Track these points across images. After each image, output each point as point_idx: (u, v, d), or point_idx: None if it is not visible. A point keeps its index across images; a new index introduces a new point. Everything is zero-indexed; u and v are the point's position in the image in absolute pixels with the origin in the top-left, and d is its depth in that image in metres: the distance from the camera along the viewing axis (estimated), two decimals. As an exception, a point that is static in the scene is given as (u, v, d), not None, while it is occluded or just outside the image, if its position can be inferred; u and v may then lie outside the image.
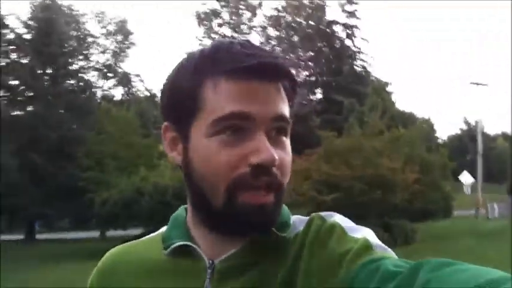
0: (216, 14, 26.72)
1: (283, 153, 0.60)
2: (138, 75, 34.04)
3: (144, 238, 0.73)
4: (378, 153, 12.42)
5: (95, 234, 22.76)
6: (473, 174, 32.92)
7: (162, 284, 0.64)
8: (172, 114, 0.64)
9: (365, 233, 0.62)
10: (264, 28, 26.20)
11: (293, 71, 0.63)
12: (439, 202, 16.56)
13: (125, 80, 33.13)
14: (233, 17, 26.61)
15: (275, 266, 0.62)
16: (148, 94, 33.97)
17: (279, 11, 26.02)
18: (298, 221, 0.67)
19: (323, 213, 0.67)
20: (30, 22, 26.31)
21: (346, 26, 26.46)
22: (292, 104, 0.65)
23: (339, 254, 0.58)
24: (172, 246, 0.65)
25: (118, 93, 33.58)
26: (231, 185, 0.58)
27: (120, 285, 0.67)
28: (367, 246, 0.58)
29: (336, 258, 0.58)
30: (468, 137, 64.04)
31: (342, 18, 26.50)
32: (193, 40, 27.22)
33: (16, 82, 24.26)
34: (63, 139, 22.63)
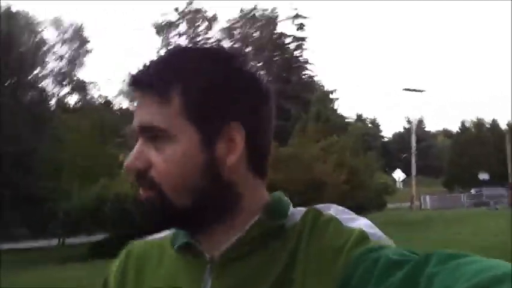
0: (173, 25, 28.01)
1: (159, 158, 0.62)
2: (93, 83, 34.54)
3: (163, 234, 0.75)
4: (313, 158, 14.42)
5: (54, 242, 23.19)
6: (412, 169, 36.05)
7: (166, 279, 0.68)
8: None
9: (362, 224, 0.63)
10: (219, 40, 27.73)
11: (159, 75, 0.64)
12: (371, 198, 18.93)
13: (80, 87, 33.54)
14: (190, 29, 27.99)
15: (273, 256, 0.63)
16: (103, 101, 34.56)
17: (232, 23, 27.69)
18: (296, 212, 0.68)
19: (319, 206, 0.68)
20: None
21: (295, 37, 28.47)
22: (190, 100, 0.63)
23: (336, 245, 0.59)
24: (177, 244, 0.69)
25: (73, 100, 33.97)
26: None
27: (132, 275, 0.72)
28: (363, 237, 0.59)
29: (332, 250, 0.59)
30: (408, 135, 68.17)
31: (292, 30, 28.52)
32: (151, 50, 28.30)
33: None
34: (20, 150, 23.11)
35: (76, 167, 21.55)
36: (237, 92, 0.65)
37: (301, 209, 0.69)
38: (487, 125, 51.09)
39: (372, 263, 0.54)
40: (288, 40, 28.55)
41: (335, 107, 27.19)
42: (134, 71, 0.66)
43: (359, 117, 74.77)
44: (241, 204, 0.66)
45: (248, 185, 0.66)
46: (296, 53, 28.32)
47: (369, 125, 74.57)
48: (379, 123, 79.48)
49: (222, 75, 0.64)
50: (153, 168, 0.63)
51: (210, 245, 0.66)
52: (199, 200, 0.63)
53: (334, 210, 0.66)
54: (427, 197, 36.46)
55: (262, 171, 0.68)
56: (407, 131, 68.01)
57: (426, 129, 75.75)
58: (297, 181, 13.81)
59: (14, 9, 27.95)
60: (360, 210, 19.82)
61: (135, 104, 0.66)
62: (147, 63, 0.67)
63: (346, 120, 28.33)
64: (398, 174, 33.60)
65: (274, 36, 28.04)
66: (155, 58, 0.68)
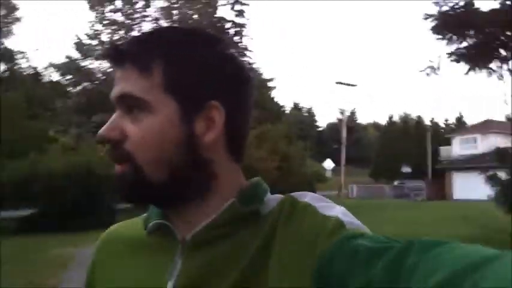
0: (108, 0, 27.05)
1: (134, 128, 0.63)
2: (22, 52, 32.81)
3: (136, 218, 0.76)
4: (248, 146, 14.96)
5: None
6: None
7: (139, 261, 0.68)
8: None
9: (338, 211, 0.62)
10: (156, 19, 27.20)
11: (141, 48, 0.65)
12: (303, 184, 19.87)
13: (7, 56, 31.79)
14: (126, 5, 27.18)
15: (245, 241, 0.63)
16: (33, 72, 32.97)
17: (171, 3, 27.18)
18: (272, 198, 0.68)
19: (296, 193, 0.68)
20: None
21: (234, 23, 28.50)
22: (170, 75, 0.64)
23: (313, 232, 0.59)
24: (149, 225, 0.69)
25: (-1, 70, 32.12)
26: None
27: (109, 261, 0.72)
28: (340, 224, 0.59)
29: (309, 237, 0.59)
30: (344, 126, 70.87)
31: (231, 16, 28.49)
32: (85, 24, 27.23)
33: None
34: None
35: (3, 140, 20.68)
36: (218, 72, 0.65)
37: (278, 196, 0.69)
38: (412, 121, 54.27)
39: (351, 253, 0.53)
40: (227, 25, 28.56)
41: (272, 96, 27.85)
42: (115, 44, 0.67)
43: (296, 105, 76.57)
44: (216, 185, 0.65)
45: (224, 166, 0.66)
46: (235, 39, 28.48)
47: (305, 114, 76.51)
48: (315, 113, 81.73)
49: (205, 55, 0.65)
50: (128, 140, 0.62)
51: (183, 226, 0.66)
52: (174, 175, 0.63)
53: (310, 198, 0.66)
54: (354, 186, 38.62)
55: (238, 154, 0.69)
56: (341, 122, 70.65)
57: (358, 121, 78.92)
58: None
59: None
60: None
61: (116, 76, 0.65)
62: (130, 37, 0.68)
63: (282, 109, 29.05)
64: (328, 163, 35.30)
65: (214, 20, 27.92)
66: (137, 35, 0.69)
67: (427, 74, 11.61)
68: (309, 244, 0.58)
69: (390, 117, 59.01)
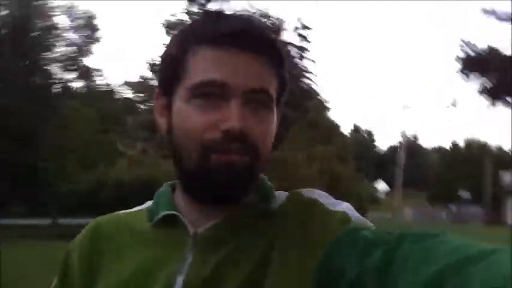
0: (183, 25, 28.83)
1: (260, 124, 0.61)
2: (99, 70, 35.52)
3: (130, 210, 0.74)
4: (299, 164, 15.63)
5: (48, 221, 24.18)
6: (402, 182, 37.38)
7: (145, 253, 0.65)
8: (161, 82, 0.68)
9: (344, 207, 0.64)
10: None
11: (278, 44, 0.63)
12: (354, 205, 20.18)
13: (86, 74, 34.51)
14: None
15: (257, 238, 0.62)
16: (109, 89, 35.58)
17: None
18: (280, 194, 0.69)
19: (303, 190, 0.69)
20: (5, 17, 27.48)
21: (297, 46, 29.45)
22: (283, 80, 0.66)
23: (319, 226, 0.61)
24: (158, 217, 0.67)
25: (78, 86, 34.89)
26: (203, 148, 0.60)
27: (107, 250, 0.68)
28: (345, 219, 0.61)
29: (315, 232, 0.60)
30: (403, 149, 69.71)
31: (296, 40, 29.49)
32: (160, 46, 29.20)
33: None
34: (25, 129, 24.11)
35: (77, 152, 22.59)
36: (286, 87, 0.69)
37: (284, 192, 0.69)
38: (475, 146, 52.30)
39: (352, 244, 0.55)
40: (291, 49, 29.51)
41: (330, 116, 28.28)
42: (233, 26, 0.60)
43: (356, 127, 76.14)
44: None
45: None
46: (297, 61, 29.38)
47: (365, 136, 75.84)
48: (374, 136, 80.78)
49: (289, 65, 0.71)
50: (253, 133, 0.61)
51: (195, 220, 0.65)
52: (262, 171, 0.65)
53: (317, 194, 0.68)
54: (408, 210, 37.97)
55: None
56: (401, 145, 69.50)
57: (421, 145, 77.14)
58: (279, 184, 15.06)
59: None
60: None
61: (236, 60, 0.60)
62: (251, 20, 0.63)
63: (337, 130, 29.45)
64: (381, 186, 35.10)
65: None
66: (256, 23, 0.63)
67: (448, 108, 12.10)
68: (317, 236, 0.60)
69: (454, 143, 57.41)
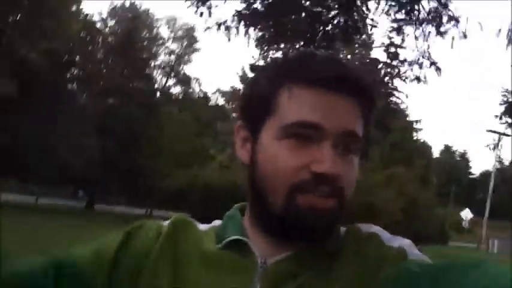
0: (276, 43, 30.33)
1: (348, 168, 0.61)
2: (197, 79, 38.15)
3: (201, 226, 0.73)
4: (376, 185, 16.05)
5: (142, 211, 26.71)
6: (496, 211, 35.40)
7: (212, 275, 0.63)
8: (247, 115, 0.67)
9: (403, 243, 0.63)
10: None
11: (373, 91, 0.63)
12: (431, 231, 19.88)
13: (184, 81, 37.21)
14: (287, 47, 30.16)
15: (323, 275, 0.62)
16: (203, 96, 38.09)
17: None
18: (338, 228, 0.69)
19: (361, 225, 0.69)
20: (114, 26, 30.80)
21: (386, 64, 29.58)
22: (368, 124, 0.65)
23: (376, 261, 0.60)
24: (227, 240, 0.65)
25: (175, 92, 37.61)
26: (292, 188, 0.59)
27: (181, 265, 0.65)
28: (402, 255, 0.60)
29: (373, 265, 0.60)
30: (496, 175, 65.35)
31: (384, 57, 29.57)
32: (249, 58, 30.92)
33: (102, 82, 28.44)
34: (131, 130, 26.77)
35: (173, 153, 24.70)
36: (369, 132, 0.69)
37: (342, 228, 0.69)
38: None
39: (407, 279, 0.55)
40: (380, 66, 29.66)
41: (417, 137, 28.08)
42: (329, 68, 0.61)
43: (447, 148, 72.94)
44: None
45: None
46: (386, 79, 29.47)
47: (458, 158, 72.46)
48: (469, 158, 76.71)
49: None
50: (342, 178, 0.60)
51: (263, 250, 0.64)
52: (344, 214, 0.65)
53: (375, 229, 0.68)
54: (496, 241, 35.94)
55: None
56: (500, 171, 65.16)
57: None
58: (354, 204, 15.50)
59: (137, 6, 31.95)
60: (416, 241, 20.62)
61: (330, 102, 0.60)
62: (347, 64, 0.64)
63: (426, 151, 28.96)
64: (466, 214, 33.59)
65: (366, 61, 29.22)
66: (351, 67, 0.64)
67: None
68: (373, 271, 0.60)
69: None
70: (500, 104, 9.19)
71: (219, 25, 8.38)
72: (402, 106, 30.80)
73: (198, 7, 7.77)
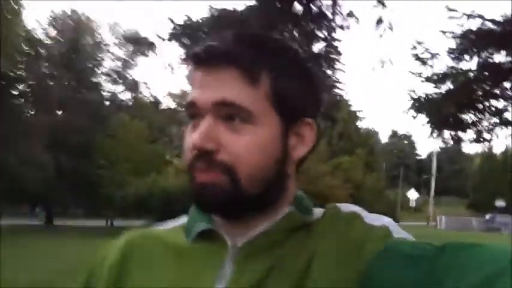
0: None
1: (235, 139, 0.59)
2: (145, 83, 37.77)
3: (165, 226, 0.74)
4: (323, 173, 17.19)
5: (102, 223, 26.22)
6: (444, 189, 37.43)
7: (182, 268, 0.64)
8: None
9: (385, 222, 0.62)
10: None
11: (249, 52, 0.60)
12: (383, 212, 21.53)
13: (132, 86, 36.75)
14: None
15: (297, 250, 0.62)
16: (153, 100, 37.87)
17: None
18: (316, 210, 0.68)
19: (339, 204, 0.68)
20: (57, 36, 30.22)
21: (328, 58, 30.84)
22: (278, 86, 0.61)
23: (359, 240, 0.59)
24: (196, 231, 0.66)
25: (125, 98, 37.03)
26: (188, 168, 0.61)
27: (139, 265, 0.66)
28: (386, 234, 0.59)
29: (356, 245, 0.59)
30: (445, 155, 68.68)
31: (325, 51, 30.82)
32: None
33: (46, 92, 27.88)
34: (82, 141, 26.56)
35: (128, 162, 24.73)
36: (316, 93, 0.66)
37: (321, 209, 0.68)
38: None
39: (393, 259, 0.54)
40: (320, 59, 30.83)
41: (361, 126, 29.56)
42: (203, 44, 0.60)
43: (394, 133, 75.93)
44: (283, 196, 0.65)
45: (293, 179, 0.66)
46: (328, 72, 30.70)
47: (405, 142, 75.58)
48: (415, 141, 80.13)
49: (307, 71, 0.65)
50: (224, 150, 0.58)
51: (234, 232, 0.64)
52: (266, 189, 0.61)
53: (354, 209, 0.67)
54: (443, 218, 38.23)
55: (301, 167, 0.68)
56: (444, 150, 68.28)
57: (464, 151, 75.96)
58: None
59: (78, 13, 31.32)
60: None
61: (201, 77, 0.60)
62: (224, 36, 0.61)
63: (371, 139, 30.50)
64: (412, 194, 35.73)
65: (307, 54, 30.34)
66: (233, 34, 0.61)
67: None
68: (355, 250, 0.58)
69: (490, 148, 56.41)
70: (409, 101, 10.13)
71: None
72: (345, 97, 32.52)
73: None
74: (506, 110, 9.93)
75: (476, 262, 0.45)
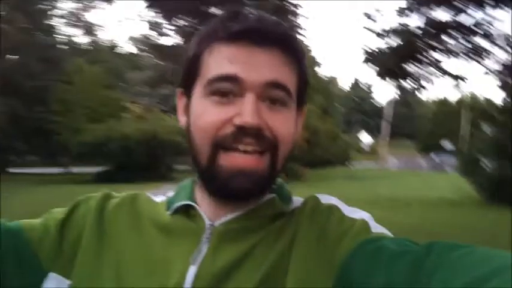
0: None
1: (277, 120, 0.60)
2: (102, 26, 36.48)
3: (153, 197, 0.74)
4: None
5: (60, 170, 26.28)
6: (399, 133, 38.85)
7: (161, 239, 0.65)
8: (183, 81, 0.67)
9: (362, 215, 0.63)
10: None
11: (293, 39, 0.62)
12: (334, 157, 22.76)
13: (89, 30, 35.50)
14: None
15: (275, 237, 0.62)
16: (110, 45, 36.79)
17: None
18: (295, 198, 0.69)
19: (319, 195, 0.68)
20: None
21: (290, 4, 30.54)
22: (303, 74, 0.65)
23: (338, 232, 0.59)
24: (175, 206, 0.67)
25: (82, 42, 35.88)
26: (214, 145, 0.59)
27: (127, 230, 0.67)
28: (365, 227, 0.59)
29: (335, 236, 0.59)
30: (402, 102, 71.14)
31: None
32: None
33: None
34: (36, 87, 25.83)
35: (84, 107, 24.34)
36: (308, 83, 0.69)
37: (300, 198, 0.70)
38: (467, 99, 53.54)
39: (374, 254, 0.53)
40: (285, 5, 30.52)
41: (320, 73, 29.90)
42: (247, 22, 0.60)
43: (356, 82, 77.13)
44: None
45: None
46: (291, 19, 30.50)
47: (366, 90, 77.12)
48: (373, 90, 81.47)
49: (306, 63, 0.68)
50: (269, 130, 0.60)
51: (218, 212, 0.65)
52: (279, 172, 0.63)
53: (335, 201, 0.68)
54: (393, 159, 40.26)
55: None
56: (401, 98, 70.63)
57: (419, 97, 78.41)
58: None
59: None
60: (324, 164, 23.47)
61: (249, 55, 0.60)
62: (264, 18, 0.62)
63: (328, 85, 31.12)
64: (364, 136, 37.27)
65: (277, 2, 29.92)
66: (272, 20, 0.62)
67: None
68: (334, 242, 0.59)
69: (445, 97, 58.88)
70: (363, 54, 10.83)
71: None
72: (306, 42, 32.65)
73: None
74: (442, 61, 10.65)
75: (468, 262, 0.44)
